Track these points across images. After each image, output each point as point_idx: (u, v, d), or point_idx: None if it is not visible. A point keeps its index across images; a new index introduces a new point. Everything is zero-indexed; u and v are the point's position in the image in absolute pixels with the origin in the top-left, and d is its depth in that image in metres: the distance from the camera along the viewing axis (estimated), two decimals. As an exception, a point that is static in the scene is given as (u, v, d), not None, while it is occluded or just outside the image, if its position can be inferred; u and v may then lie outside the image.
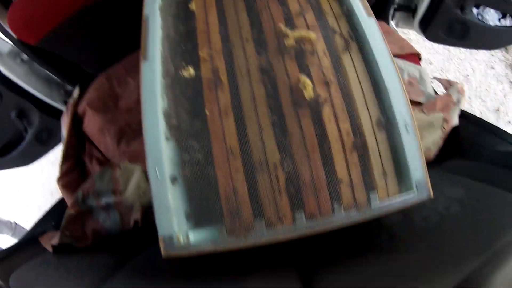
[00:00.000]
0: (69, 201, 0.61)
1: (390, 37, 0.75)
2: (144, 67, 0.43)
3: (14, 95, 1.07)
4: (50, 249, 0.59)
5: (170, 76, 0.42)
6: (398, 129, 0.42)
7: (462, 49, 1.52)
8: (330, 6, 0.46)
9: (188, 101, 0.41)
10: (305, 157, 0.40)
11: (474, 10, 1.04)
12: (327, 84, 0.42)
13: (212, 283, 0.40)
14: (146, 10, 0.46)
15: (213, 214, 0.38)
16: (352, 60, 0.44)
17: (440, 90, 0.77)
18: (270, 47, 0.43)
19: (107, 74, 0.77)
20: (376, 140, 0.42)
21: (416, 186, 0.41)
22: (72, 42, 0.89)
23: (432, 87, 0.71)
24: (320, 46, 0.43)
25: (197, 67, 0.42)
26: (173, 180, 0.39)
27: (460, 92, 0.71)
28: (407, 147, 0.42)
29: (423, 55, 0.77)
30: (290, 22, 0.44)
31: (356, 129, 0.42)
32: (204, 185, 0.39)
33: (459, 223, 0.48)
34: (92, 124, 0.67)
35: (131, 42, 0.71)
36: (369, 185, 0.40)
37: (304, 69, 0.42)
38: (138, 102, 0.64)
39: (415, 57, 0.73)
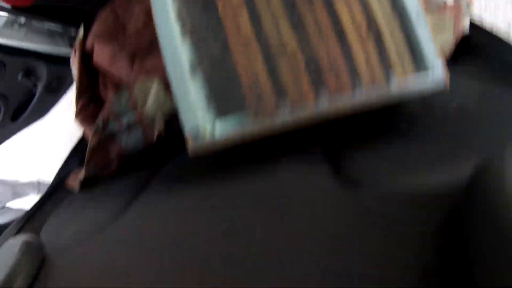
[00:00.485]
0: (90, 133, 0.62)
1: None
2: None
3: (18, 58, 1.05)
4: (77, 186, 0.59)
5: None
6: (409, 16, 0.43)
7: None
8: None
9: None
10: (321, 41, 0.39)
11: None
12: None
13: (242, 173, 0.41)
14: None
15: (236, 101, 0.38)
16: None
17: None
18: None
19: (110, 6, 0.74)
20: (389, 25, 0.42)
21: (431, 67, 0.41)
22: None
23: None
24: None
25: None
26: (193, 74, 0.39)
27: (469, 3, 0.69)
28: (420, 32, 0.42)
29: None
30: None
31: (370, 15, 0.41)
32: (224, 74, 0.39)
33: (479, 113, 0.48)
34: (102, 55, 0.66)
35: None
36: (386, 64, 0.40)
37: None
38: (146, 24, 0.63)
39: None
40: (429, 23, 0.63)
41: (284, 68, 0.39)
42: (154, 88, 0.53)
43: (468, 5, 0.69)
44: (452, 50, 0.68)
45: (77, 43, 0.77)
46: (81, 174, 0.60)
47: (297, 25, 0.40)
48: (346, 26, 0.41)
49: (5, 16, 1.03)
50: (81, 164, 0.75)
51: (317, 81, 0.38)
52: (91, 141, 0.59)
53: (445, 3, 0.71)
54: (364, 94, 0.39)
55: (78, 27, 1.01)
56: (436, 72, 0.42)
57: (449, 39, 0.66)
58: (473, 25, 0.71)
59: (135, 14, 0.67)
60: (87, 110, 0.66)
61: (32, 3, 0.84)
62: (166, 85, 0.52)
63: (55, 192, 0.69)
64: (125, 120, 0.55)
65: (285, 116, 0.38)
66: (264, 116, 0.38)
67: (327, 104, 0.38)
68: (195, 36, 0.40)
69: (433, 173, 0.37)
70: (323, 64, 0.39)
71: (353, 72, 0.39)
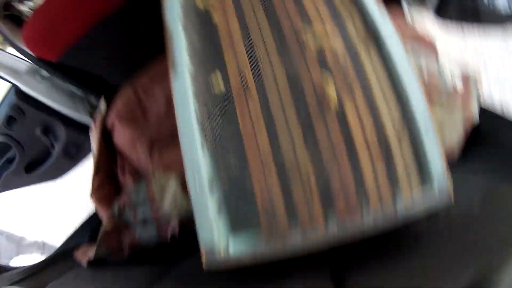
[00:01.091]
0: (104, 215, 0.64)
1: (403, 24, 0.76)
2: (174, 82, 0.45)
3: (37, 112, 1.09)
4: (85, 263, 0.60)
5: (201, 88, 0.45)
6: (419, 130, 0.44)
7: (478, 36, 1.54)
8: (343, 4, 0.49)
9: (220, 110, 0.44)
10: (334, 161, 0.42)
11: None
12: (350, 86, 0.44)
13: (252, 285, 0.42)
14: (170, 25, 0.48)
15: (251, 220, 0.40)
16: (371, 60, 0.46)
17: (459, 84, 0.77)
18: (293, 50, 0.45)
19: (133, 86, 0.78)
20: (399, 140, 0.44)
21: (437, 188, 0.43)
22: (94, 54, 0.88)
23: (451, 82, 0.72)
24: (339, 46, 0.46)
25: (226, 79, 0.45)
26: (211, 190, 0.41)
27: (478, 85, 0.72)
28: (428, 147, 0.44)
29: (441, 48, 0.78)
30: (307, 20, 0.47)
31: (381, 130, 0.44)
32: (240, 192, 0.41)
33: (482, 220, 0.49)
34: (122, 137, 0.70)
35: (154, 47, 0.72)
36: (394, 179, 0.42)
37: (326, 72, 0.44)
38: (167, 114, 0.67)
39: (433, 48, 0.74)
40: (439, 119, 0.66)
41: (297, 188, 0.41)
42: (172, 186, 0.56)
43: (478, 94, 0.71)
44: (462, 144, 0.70)
45: (98, 117, 0.81)
46: (91, 252, 0.61)
47: (312, 144, 0.42)
48: (357, 144, 0.43)
49: (29, 64, 1.08)
50: (91, 240, 0.76)
51: (327, 202, 0.41)
52: (105, 225, 0.60)
53: (454, 89, 0.73)
54: (372, 215, 0.41)
55: (98, 96, 1.04)
56: (441, 186, 0.43)
57: (459, 135, 0.68)
58: (482, 110, 0.72)
59: (157, 98, 0.71)
60: (103, 190, 0.69)
61: (58, 60, 0.88)
62: (183, 185, 0.54)
63: (61, 259, 0.70)
64: (140, 212, 0.57)
65: (296, 238, 0.40)
66: (277, 236, 0.40)
67: (336, 228, 0.40)
68: (215, 148, 0.43)
69: None
70: (334, 185, 0.41)
71: (361, 192, 0.41)
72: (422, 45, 0.72)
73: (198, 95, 0.45)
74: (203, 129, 0.44)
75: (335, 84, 0.44)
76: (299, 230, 0.40)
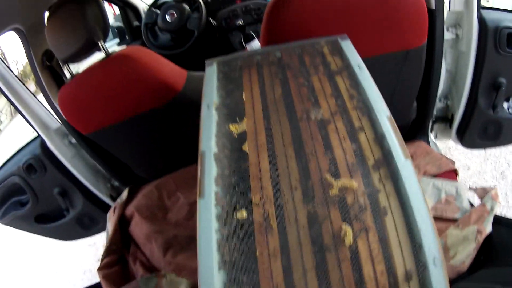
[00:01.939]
0: None
1: (428, 157, 0.80)
2: (201, 205, 0.48)
3: (59, 173, 1.12)
4: None
5: (224, 215, 0.48)
6: (427, 266, 0.45)
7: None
8: (371, 150, 0.52)
9: (240, 240, 0.46)
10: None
11: (505, 105, 1.09)
12: (366, 230, 0.46)
13: None
14: (203, 147, 0.52)
15: None
16: (389, 204, 0.48)
17: (476, 199, 0.80)
18: (317, 195, 0.48)
19: (157, 185, 0.82)
20: (408, 281, 0.45)
21: None
22: (124, 141, 0.93)
23: (468, 200, 0.74)
24: (361, 193, 0.48)
25: (249, 211, 0.47)
26: None
27: (494, 198, 0.74)
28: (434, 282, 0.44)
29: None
30: (335, 171, 0.50)
31: (390, 271, 0.45)
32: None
33: None
34: (139, 229, 0.73)
35: (182, 155, 0.76)
36: None
37: (346, 217, 0.46)
38: (186, 218, 0.70)
39: (452, 174, 0.77)
40: (453, 238, 0.67)
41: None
42: None
43: (493, 208, 0.73)
44: (474, 256, 0.70)
45: (119, 204, 0.84)
46: None
47: (323, 279, 0.44)
48: (367, 283, 0.44)
49: (60, 124, 1.12)
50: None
51: None
52: None
53: (470, 205, 0.75)
54: None
55: (121, 182, 1.07)
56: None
57: (471, 250, 0.69)
58: (495, 219, 0.74)
59: (179, 204, 0.74)
60: (112, 269, 0.71)
61: (88, 134, 0.92)
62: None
63: None
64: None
65: None
66: None
67: None
68: (230, 272, 0.45)
69: None
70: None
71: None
72: (443, 168, 0.75)
73: (220, 218, 0.47)
74: (221, 249, 0.46)
75: (351, 227, 0.46)
76: None
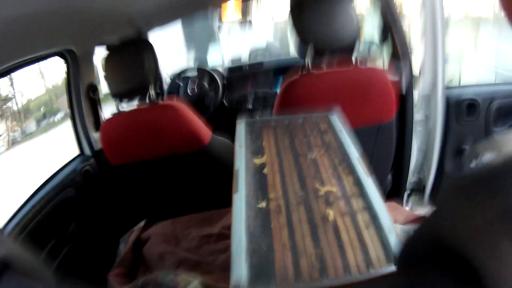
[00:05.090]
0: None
1: (398, 210, 1.03)
2: (236, 197, 0.75)
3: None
4: None
5: (251, 206, 0.74)
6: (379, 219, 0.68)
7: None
8: (344, 172, 0.81)
9: (260, 219, 0.72)
10: (328, 247, 0.65)
11: (473, 164, 1.28)
12: (341, 212, 0.71)
13: None
14: (237, 166, 0.82)
15: (269, 274, 0.61)
16: (355, 197, 0.74)
17: None
18: (310, 195, 0.76)
19: (172, 220, 0.98)
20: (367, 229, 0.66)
21: None
22: (146, 179, 1.05)
23: None
24: (338, 193, 0.75)
25: (267, 203, 0.75)
26: (247, 252, 0.64)
27: None
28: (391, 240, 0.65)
29: None
30: (322, 182, 0.78)
31: (360, 235, 0.67)
32: (265, 260, 0.64)
33: None
34: (154, 249, 0.90)
35: (194, 201, 0.89)
36: (368, 261, 0.62)
37: (328, 205, 0.73)
38: (197, 246, 0.90)
39: (421, 219, 0.97)
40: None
41: (303, 261, 0.63)
42: (195, 283, 0.74)
43: None
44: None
45: (136, 228, 0.98)
46: None
47: (316, 239, 0.67)
48: (344, 240, 0.66)
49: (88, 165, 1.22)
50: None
51: (323, 270, 0.61)
52: None
53: None
54: (352, 277, 0.59)
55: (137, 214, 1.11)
56: None
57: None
58: None
59: (191, 237, 0.91)
60: (121, 276, 0.84)
61: (118, 165, 1.04)
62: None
63: None
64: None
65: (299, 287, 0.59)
66: (286, 286, 0.59)
67: (328, 282, 0.59)
68: (252, 238, 0.68)
69: None
70: (327, 261, 0.63)
71: (346, 265, 0.62)
72: (410, 218, 0.97)
73: (248, 205, 0.74)
74: (248, 226, 0.71)
75: (333, 210, 0.72)
76: (302, 285, 0.59)
